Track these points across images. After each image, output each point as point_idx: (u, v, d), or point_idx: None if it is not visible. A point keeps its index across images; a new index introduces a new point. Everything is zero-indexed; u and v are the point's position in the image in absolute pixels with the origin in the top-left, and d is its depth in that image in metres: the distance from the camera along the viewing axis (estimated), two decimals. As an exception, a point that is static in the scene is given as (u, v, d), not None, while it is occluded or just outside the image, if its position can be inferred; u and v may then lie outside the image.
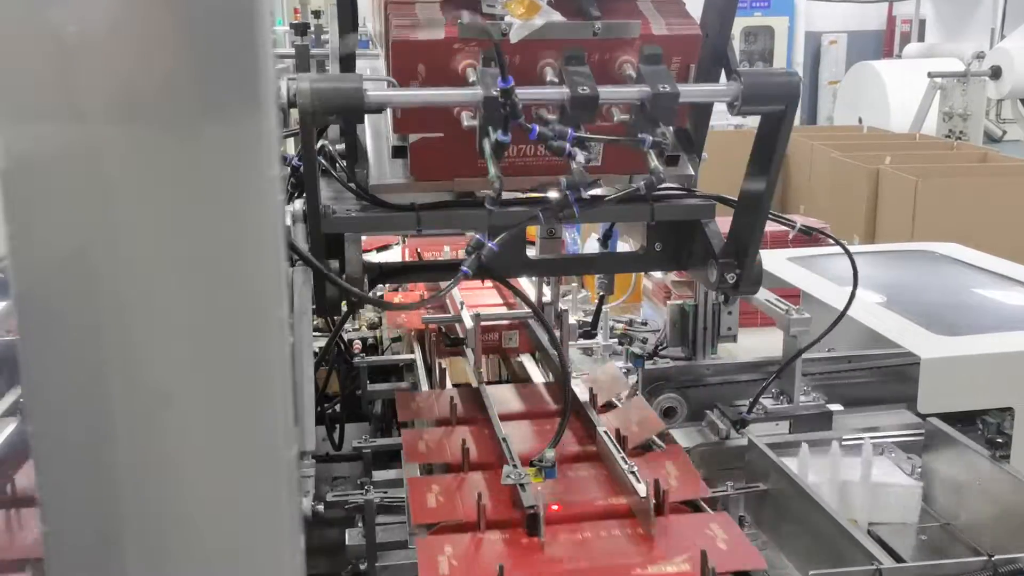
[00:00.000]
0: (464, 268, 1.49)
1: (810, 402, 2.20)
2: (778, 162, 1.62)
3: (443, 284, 2.85)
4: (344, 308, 1.88)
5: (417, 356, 2.49)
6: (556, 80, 1.49)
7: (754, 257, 1.70)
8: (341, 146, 1.73)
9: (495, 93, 1.39)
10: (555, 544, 1.56)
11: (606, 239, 2.23)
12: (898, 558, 1.74)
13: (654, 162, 1.47)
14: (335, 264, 1.66)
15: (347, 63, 1.68)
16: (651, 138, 1.46)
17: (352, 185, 1.69)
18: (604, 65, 1.54)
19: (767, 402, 2.17)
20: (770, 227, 1.81)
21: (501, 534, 1.58)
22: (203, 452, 0.81)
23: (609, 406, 2.23)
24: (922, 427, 2.05)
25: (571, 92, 1.43)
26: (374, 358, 2.57)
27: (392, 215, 1.68)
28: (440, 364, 2.36)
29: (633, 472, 1.79)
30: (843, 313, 1.85)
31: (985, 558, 1.51)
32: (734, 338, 2.38)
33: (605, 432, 2.00)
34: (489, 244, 1.47)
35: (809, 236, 1.91)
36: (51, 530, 0.82)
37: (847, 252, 1.83)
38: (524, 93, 1.42)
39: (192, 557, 0.83)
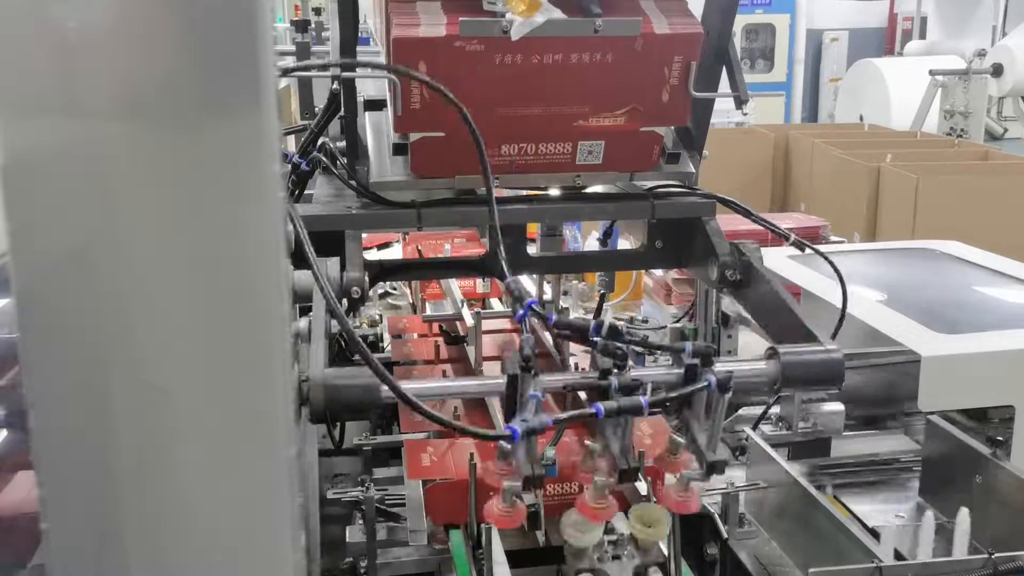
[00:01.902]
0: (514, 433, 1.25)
1: (808, 428, 2.21)
2: None
3: (444, 282, 2.87)
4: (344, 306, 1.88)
5: None
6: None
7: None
8: (342, 143, 1.73)
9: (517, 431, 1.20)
10: None
11: (607, 237, 2.22)
12: (898, 556, 1.74)
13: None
14: (335, 262, 1.66)
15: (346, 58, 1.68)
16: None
17: (353, 182, 1.69)
18: (604, 66, 1.54)
19: (766, 428, 2.18)
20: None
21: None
22: (203, 449, 0.81)
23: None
24: (919, 455, 2.06)
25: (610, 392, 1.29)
26: (375, 355, 2.56)
27: (393, 212, 1.68)
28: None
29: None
30: (841, 319, 1.84)
31: (985, 556, 1.51)
32: (734, 361, 2.39)
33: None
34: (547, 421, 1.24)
35: (801, 251, 1.91)
36: (51, 527, 0.82)
37: (831, 263, 1.82)
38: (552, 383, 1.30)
39: (192, 554, 0.83)
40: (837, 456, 2.19)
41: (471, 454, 1.62)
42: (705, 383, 1.29)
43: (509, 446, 1.19)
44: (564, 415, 1.27)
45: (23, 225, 0.76)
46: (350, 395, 1.18)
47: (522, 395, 1.25)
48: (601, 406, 1.24)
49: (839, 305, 1.86)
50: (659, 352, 2.24)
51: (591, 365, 1.35)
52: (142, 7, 0.74)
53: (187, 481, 0.82)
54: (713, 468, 1.30)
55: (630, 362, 1.31)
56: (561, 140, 1.63)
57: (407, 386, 1.23)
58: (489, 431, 1.23)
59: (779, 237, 1.85)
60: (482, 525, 1.61)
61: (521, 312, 1.32)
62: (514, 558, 1.67)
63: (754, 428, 2.12)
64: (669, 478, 1.42)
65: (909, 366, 2.01)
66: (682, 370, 1.31)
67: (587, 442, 1.37)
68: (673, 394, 1.29)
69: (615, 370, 1.29)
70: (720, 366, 1.31)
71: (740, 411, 2.25)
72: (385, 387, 1.18)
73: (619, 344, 1.30)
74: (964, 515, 1.71)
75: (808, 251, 1.89)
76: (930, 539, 1.76)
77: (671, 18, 1.55)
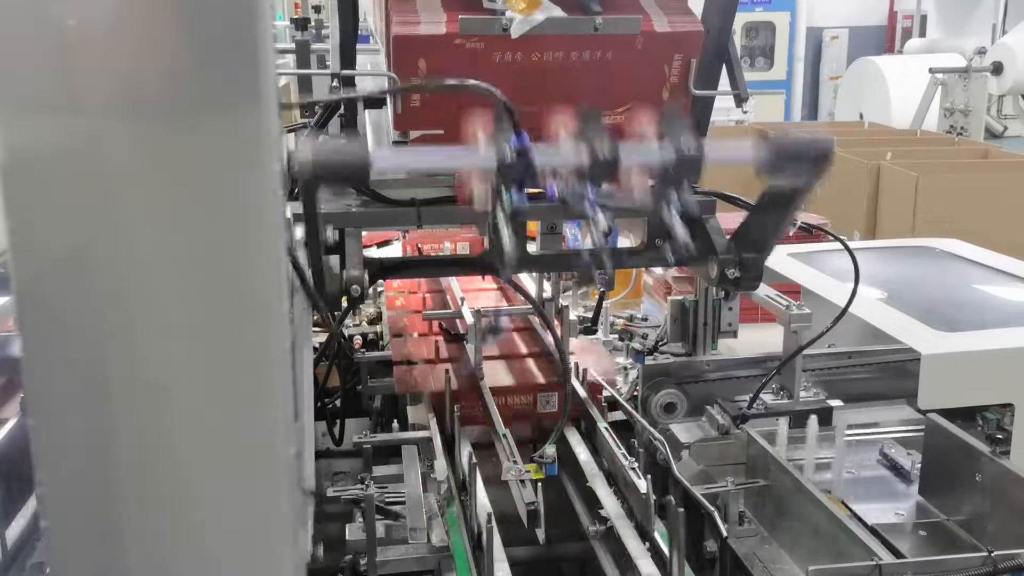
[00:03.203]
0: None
1: (810, 398, 2.20)
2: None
3: (443, 280, 2.87)
4: (344, 304, 1.88)
5: (437, 444, 2.10)
6: (570, 140, 1.38)
7: (767, 254, 1.68)
8: (342, 141, 1.73)
9: (510, 157, 1.29)
10: None
11: (607, 235, 2.22)
12: (898, 554, 1.74)
13: (680, 230, 1.40)
14: (335, 260, 1.66)
15: (346, 56, 1.68)
16: (675, 205, 1.38)
17: (353, 180, 1.69)
18: (605, 64, 1.54)
19: (767, 398, 2.17)
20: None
21: None
22: (203, 448, 0.81)
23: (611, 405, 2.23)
24: (922, 422, 2.05)
25: (591, 156, 1.33)
26: (374, 354, 2.57)
27: (392, 210, 1.68)
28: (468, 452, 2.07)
29: (634, 468, 1.80)
30: (845, 310, 1.84)
31: (985, 554, 1.51)
32: (734, 334, 2.38)
33: (606, 428, 2.01)
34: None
35: (809, 233, 1.91)
36: (51, 526, 0.82)
37: (848, 250, 1.83)
38: (541, 155, 1.33)
39: (192, 552, 0.83)
40: (839, 425, 2.18)
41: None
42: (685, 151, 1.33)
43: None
44: None
45: (23, 223, 0.76)
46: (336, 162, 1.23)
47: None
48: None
49: (839, 303, 1.86)
50: (661, 340, 2.25)
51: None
52: (142, 5, 0.74)
53: (187, 479, 0.82)
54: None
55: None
56: (561, 138, 1.63)
57: (398, 155, 1.29)
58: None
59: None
60: (483, 526, 1.61)
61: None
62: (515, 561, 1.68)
63: (753, 399, 2.11)
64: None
65: (909, 364, 2.02)
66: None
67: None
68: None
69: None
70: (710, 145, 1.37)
71: (740, 379, 2.24)
72: (375, 159, 1.25)
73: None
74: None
75: (808, 248, 1.89)
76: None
77: (671, 16, 1.55)
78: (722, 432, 2.11)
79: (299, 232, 1.62)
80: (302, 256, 1.54)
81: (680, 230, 1.38)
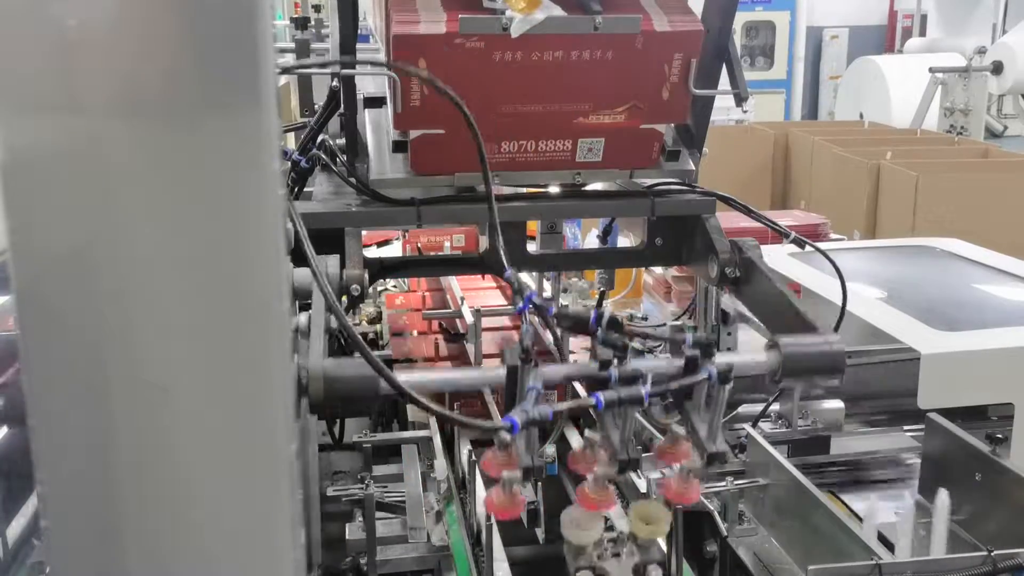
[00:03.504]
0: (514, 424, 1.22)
1: (808, 426, 2.21)
2: None
3: (444, 280, 2.87)
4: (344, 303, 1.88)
5: (434, 428, 2.17)
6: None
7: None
8: (342, 141, 1.73)
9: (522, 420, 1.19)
10: None
11: (606, 234, 2.22)
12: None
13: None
14: (335, 259, 1.66)
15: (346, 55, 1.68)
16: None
17: (352, 180, 1.69)
18: (605, 62, 1.54)
19: (765, 426, 2.18)
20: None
21: None
22: (203, 447, 0.81)
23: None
24: (918, 451, 2.06)
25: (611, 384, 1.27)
26: (375, 352, 2.57)
27: (392, 209, 1.68)
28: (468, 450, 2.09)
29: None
30: (839, 320, 1.83)
31: (985, 553, 1.51)
32: (733, 360, 2.38)
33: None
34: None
35: (801, 249, 1.91)
36: (51, 525, 0.82)
37: (830, 260, 1.82)
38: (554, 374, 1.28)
39: (192, 552, 0.83)
40: (837, 454, 2.19)
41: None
42: (706, 374, 1.29)
43: (509, 437, 1.19)
44: (564, 405, 1.27)
45: (23, 223, 0.76)
46: (348, 386, 1.18)
47: (521, 386, 1.24)
48: (601, 396, 1.24)
49: (839, 302, 1.85)
50: (659, 344, 2.25)
51: (591, 357, 1.35)
52: (142, 5, 0.74)
53: (187, 478, 0.82)
54: (713, 459, 1.30)
55: (630, 353, 1.31)
56: (561, 137, 1.63)
57: (405, 378, 1.23)
58: (488, 423, 1.23)
59: (779, 235, 1.85)
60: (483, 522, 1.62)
61: (521, 305, 1.32)
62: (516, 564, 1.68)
63: (753, 425, 2.12)
64: (669, 470, 1.42)
65: (909, 363, 2.02)
66: (682, 361, 1.31)
67: (587, 432, 1.37)
68: (674, 385, 1.29)
69: (615, 361, 1.29)
70: (720, 357, 1.31)
71: (740, 409, 2.25)
72: (383, 380, 1.18)
73: (619, 335, 1.30)
74: (943, 496, 1.71)
75: (808, 248, 1.89)
76: (909, 530, 1.76)
77: (671, 15, 1.55)
78: (721, 463, 2.10)
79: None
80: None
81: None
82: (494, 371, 1.29)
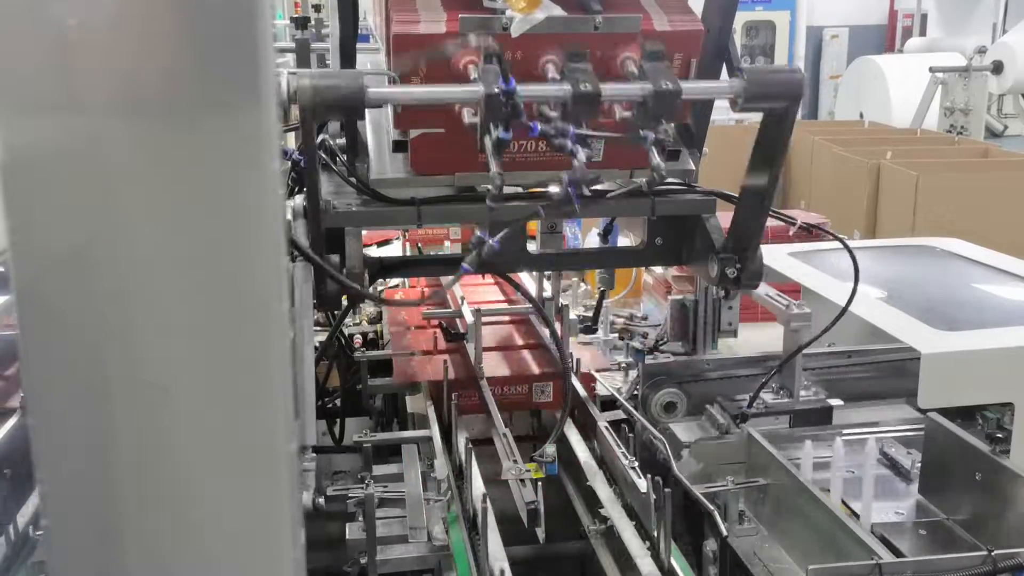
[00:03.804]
0: (465, 265, 1.45)
1: (810, 397, 2.20)
2: (780, 159, 1.61)
3: (444, 280, 2.87)
4: (344, 303, 1.88)
5: (435, 431, 2.14)
6: (558, 77, 1.48)
7: (755, 252, 1.70)
8: (342, 140, 1.73)
9: (497, 91, 1.37)
10: None
11: (606, 234, 2.23)
12: (898, 553, 1.74)
13: (656, 159, 1.46)
14: (335, 259, 1.66)
15: (347, 54, 1.68)
16: (653, 135, 1.44)
17: (353, 179, 1.69)
18: (605, 61, 1.54)
19: (767, 397, 2.18)
20: (771, 222, 1.81)
21: None
22: (203, 446, 0.81)
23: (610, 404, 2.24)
24: (921, 421, 2.05)
25: (573, 89, 1.41)
26: (375, 352, 2.57)
27: (393, 209, 1.68)
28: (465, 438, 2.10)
29: (634, 468, 1.80)
30: (845, 309, 1.84)
31: (985, 553, 1.51)
32: (734, 333, 2.38)
33: (606, 427, 2.01)
34: (490, 241, 1.44)
35: (809, 233, 1.91)
36: (51, 524, 0.82)
37: (848, 249, 1.83)
38: (525, 90, 1.41)
39: (192, 551, 0.83)
40: (839, 424, 2.18)
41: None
42: (663, 86, 1.41)
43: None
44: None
45: (23, 223, 0.76)
46: (335, 92, 1.28)
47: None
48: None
49: (839, 302, 1.86)
50: (662, 339, 2.25)
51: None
52: (142, 5, 0.74)
53: (187, 478, 0.82)
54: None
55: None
56: (561, 137, 1.63)
57: (385, 90, 1.34)
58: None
59: (784, 223, 1.85)
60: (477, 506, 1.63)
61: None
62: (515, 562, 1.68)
63: (754, 398, 2.11)
64: None
65: (909, 363, 2.02)
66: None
67: None
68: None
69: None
70: (686, 84, 1.46)
71: (741, 379, 2.24)
72: (371, 88, 1.30)
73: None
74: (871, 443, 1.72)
75: (808, 247, 1.89)
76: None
77: (671, 15, 1.55)
78: (722, 431, 2.11)
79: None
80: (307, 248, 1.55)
81: (656, 159, 1.45)
82: (472, 86, 1.40)
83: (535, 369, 2.30)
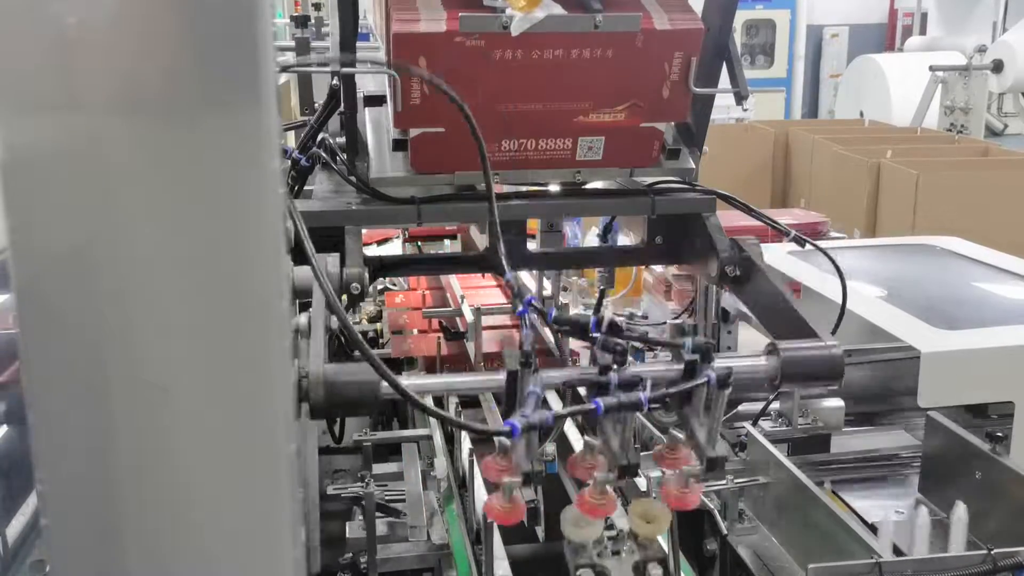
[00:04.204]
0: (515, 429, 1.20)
1: (808, 424, 2.21)
2: None
3: (444, 278, 2.88)
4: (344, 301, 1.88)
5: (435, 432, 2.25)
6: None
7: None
8: (342, 139, 1.73)
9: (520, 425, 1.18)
10: None
11: (606, 233, 2.22)
12: (898, 551, 1.74)
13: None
14: (335, 257, 1.66)
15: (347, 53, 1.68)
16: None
17: (353, 178, 1.69)
18: (605, 59, 1.53)
19: (765, 424, 2.18)
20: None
21: None
22: (203, 446, 0.81)
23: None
24: (919, 450, 2.06)
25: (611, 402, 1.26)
26: (374, 351, 2.57)
27: (392, 208, 1.68)
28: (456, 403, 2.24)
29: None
30: (836, 326, 1.83)
31: (985, 552, 1.51)
32: (733, 359, 2.38)
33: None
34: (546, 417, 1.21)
35: (801, 247, 1.91)
36: (52, 523, 0.82)
37: (831, 259, 1.82)
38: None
39: (192, 551, 0.83)
40: (837, 452, 2.19)
41: None
42: (704, 379, 1.29)
43: (509, 442, 1.19)
44: (564, 411, 1.27)
45: (23, 222, 0.76)
46: (350, 391, 1.18)
47: (521, 391, 1.24)
48: (601, 402, 1.23)
49: (839, 301, 1.86)
50: (659, 348, 2.25)
51: (590, 361, 1.35)
52: (142, 4, 0.74)
53: (187, 477, 0.82)
54: (713, 464, 1.30)
55: (629, 358, 1.31)
56: (561, 136, 1.63)
57: (407, 382, 1.23)
58: (489, 427, 1.23)
59: (779, 233, 1.85)
60: (484, 522, 1.62)
61: (521, 308, 1.32)
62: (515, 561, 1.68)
63: (754, 424, 2.12)
64: (669, 475, 1.42)
65: (909, 362, 2.01)
66: (681, 366, 1.31)
67: (586, 438, 1.37)
68: (672, 390, 1.29)
69: (614, 366, 1.29)
70: (719, 362, 1.31)
71: (740, 407, 2.25)
72: (385, 383, 1.18)
73: (618, 340, 1.30)
74: (961, 510, 1.71)
75: (808, 247, 1.89)
76: (926, 535, 1.76)
77: (671, 14, 1.55)
78: (720, 468, 2.11)
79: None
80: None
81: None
82: (495, 376, 1.29)
83: (508, 321, 2.39)
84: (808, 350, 1.39)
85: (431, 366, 2.37)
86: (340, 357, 2.58)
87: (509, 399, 1.26)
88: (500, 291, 2.86)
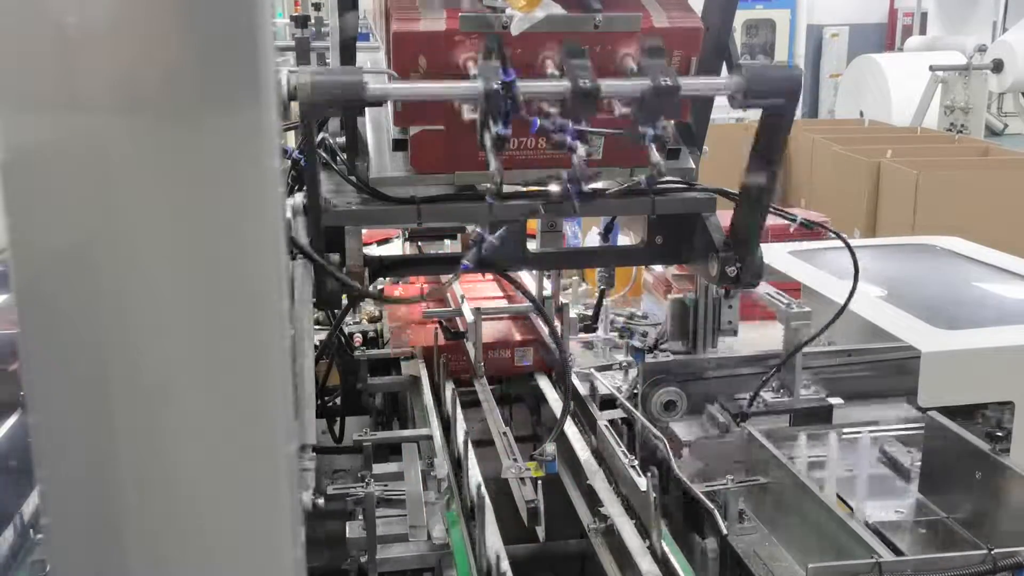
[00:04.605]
0: (464, 263, 1.47)
1: (810, 395, 2.20)
2: (779, 157, 1.61)
3: (444, 278, 2.88)
4: (344, 301, 1.88)
5: (425, 384, 2.39)
6: (557, 73, 1.48)
7: (755, 250, 1.70)
8: (342, 139, 1.73)
9: (496, 86, 1.37)
10: None
11: (607, 232, 2.22)
12: (897, 551, 1.74)
13: (655, 156, 1.46)
14: (335, 257, 1.66)
15: (347, 53, 1.68)
16: (652, 131, 1.44)
17: (353, 178, 1.69)
18: (605, 58, 1.53)
19: (767, 396, 2.17)
20: (771, 220, 1.81)
21: None
22: (203, 445, 0.81)
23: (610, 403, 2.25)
24: (921, 420, 2.05)
25: (572, 85, 1.42)
26: (375, 351, 2.57)
27: (393, 208, 1.68)
28: (451, 389, 2.32)
29: (634, 466, 1.80)
30: (844, 307, 1.84)
31: (985, 551, 1.51)
32: (734, 332, 2.38)
33: (606, 426, 2.01)
34: (489, 237, 1.44)
35: (810, 230, 1.91)
36: (52, 523, 0.82)
37: (848, 247, 1.83)
38: (525, 86, 1.41)
39: (192, 551, 0.83)
40: (839, 422, 2.18)
41: None
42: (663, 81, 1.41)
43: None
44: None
45: (23, 221, 0.76)
46: (334, 90, 1.28)
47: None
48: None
49: (839, 301, 1.86)
50: (662, 338, 2.25)
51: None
52: (142, 3, 0.74)
53: (186, 477, 0.82)
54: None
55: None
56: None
57: (383, 86, 1.33)
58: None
59: (785, 220, 1.85)
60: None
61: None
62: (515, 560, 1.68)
63: (754, 397, 2.11)
64: None
65: (909, 362, 2.01)
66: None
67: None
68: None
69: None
70: (685, 80, 1.45)
71: (742, 374, 2.24)
72: (370, 84, 1.28)
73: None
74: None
75: (809, 246, 1.89)
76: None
77: (671, 13, 1.55)
78: (722, 430, 2.11)
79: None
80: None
81: (655, 156, 1.45)
82: (472, 82, 1.40)
83: (516, 336, 2.46)
84: (768, 68, 1.53)
85: (428, 350, 2.46)
86: (340, 356, 2.59)
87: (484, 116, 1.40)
88: (500, 290, 2.86)
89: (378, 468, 1.96)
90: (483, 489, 1.66)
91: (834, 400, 2.22)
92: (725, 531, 1.82)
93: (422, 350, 2.48)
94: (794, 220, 1.82)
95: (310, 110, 1.37)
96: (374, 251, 3.29)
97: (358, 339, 2.67)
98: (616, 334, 2.73)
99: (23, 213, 0.76)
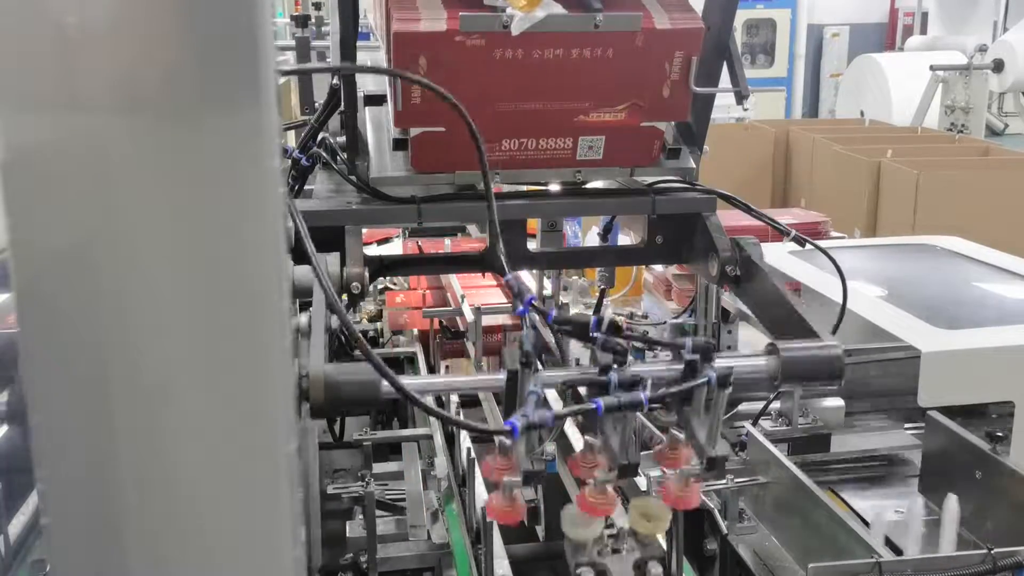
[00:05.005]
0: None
1: (808, 424, 2.21)
2: None
3: (444, 278, 2.88)
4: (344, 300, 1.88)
5: (420, 359, 2.52)
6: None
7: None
8: (342, 138, 1.73)
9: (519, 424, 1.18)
10: None
11: (607, 232, 2.22)
12: (897, 551, 1.74)
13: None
14: (335, 257, 1.66)
15: (347, 53, 1.68)
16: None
17: (353, 178, 1.69)
18: (605, 59, 1.53)
19: (766, 424, 2.18)
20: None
21: None
22: (203, 445, 0.81)
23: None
24: (918, 448, 2.06)
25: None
26: (375, 350, 2.58)
27: (393, 208, 1.68)
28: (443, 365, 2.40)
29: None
30: (838, 323, 1.83)
31: (984, 551, 1.51)
32: (733, 358, 2.39)
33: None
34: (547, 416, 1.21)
35: (802, 247, 1.91)
36: (52, 522, 0.82)
37: (831, 258, 1.82)
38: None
39: (192, 551, 0.83)
40: (837, 452, 2.19)
41: None
42: (705, 379, 1.28)
43: (509, 442, 1.19)
44: (564, 411, 1.27)
45: (23, 221, 0.76)
46: (350, 391, 1.18)
47: (522, 391, 1.24)
48: (601, 402, 1.23)
49: (839, 301, 1.86)
50: (659, 348, 2.24)
51: (591, 361, 1.35)
52: (142, 3, 0.74)
53: (187, 477, 0.82)
54: (713, 463, 1.30)
55: (630, 357, 1.31)
56: (561, 135, 1.63)
57: (407, 382, 1.23)
58: (489, 427, 1.23)
59: (780, 233, 1.85)
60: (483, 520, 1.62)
61: (521, 308, 1.32)
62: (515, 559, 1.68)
63: (754, 423, 2.12)
64: (669, 474, 1.42)
65: (909, 362, 2.01)
66: (682, 366, 1.31)
67: (586, 437, 1.37)
68: (673, 389, 1.29)
69: (615, 366, 1.29)
70: (720, 362, 1.31)
71: (740, 407, 2.25)
72: (385, 382, 1.18)
73: (619, 340, 1.30)
74: (952, 502, 1.71)
75: (808, 246, 1.89)
76: (919, 532, 1.76)
77: (672, 13, 1.55)
78: (720, 467, 2.11)
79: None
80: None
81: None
82: (495, 376, 1.29)
83: (508, 321, 2.48)
84: (808, 350, 1.39)
85: (424, 333, 2.52)
86: (341, 357, 2.59)
87: (509, 399, 1.26)
88: (500, 291, 2.86)
89: (378, 468, 1.96)
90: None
91: (834, 400, 2.22)
92: (725, 530, 1.82)
93: (418, 334, 2.56)
94: (788, 234, 1.82)
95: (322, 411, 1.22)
96: (374, 251, 3.30)
97: (358, 339, 2.68)
98: (616, 334, 2.73)
99: (23, 213, 0.76)
